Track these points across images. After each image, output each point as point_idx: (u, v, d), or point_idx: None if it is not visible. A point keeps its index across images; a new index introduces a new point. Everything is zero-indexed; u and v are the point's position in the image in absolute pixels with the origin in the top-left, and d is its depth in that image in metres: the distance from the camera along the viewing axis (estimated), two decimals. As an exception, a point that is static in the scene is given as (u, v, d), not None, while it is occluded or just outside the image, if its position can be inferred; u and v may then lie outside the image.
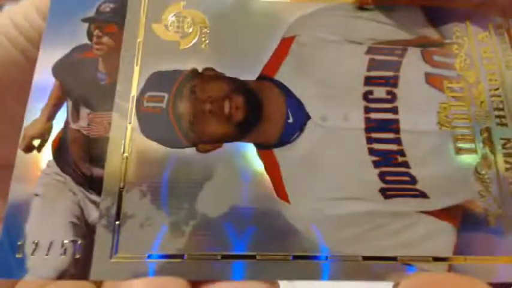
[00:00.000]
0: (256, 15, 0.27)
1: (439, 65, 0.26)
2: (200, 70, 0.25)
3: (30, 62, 0.26)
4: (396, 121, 0.24)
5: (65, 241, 0.23)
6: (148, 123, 0.24)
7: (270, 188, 0.23)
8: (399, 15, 0.27)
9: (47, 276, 0.22)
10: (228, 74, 0.25)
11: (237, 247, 0.22)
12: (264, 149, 0.24)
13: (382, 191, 0.23)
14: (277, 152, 0.24)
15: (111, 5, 0.27)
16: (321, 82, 0.25)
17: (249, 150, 0.24)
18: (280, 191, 0.23)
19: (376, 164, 0.24)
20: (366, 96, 0.25)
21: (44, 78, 0.26)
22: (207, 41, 0.26)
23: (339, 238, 0.22)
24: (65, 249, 0.22)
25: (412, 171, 0.24)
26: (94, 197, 0.24)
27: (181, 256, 0.22)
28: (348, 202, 0.23)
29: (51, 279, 0.22)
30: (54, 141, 0.25)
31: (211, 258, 0.22)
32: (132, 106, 0.24)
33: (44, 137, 0.25)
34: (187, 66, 0.25)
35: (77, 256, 0.22)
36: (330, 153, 0.24)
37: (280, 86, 0.25)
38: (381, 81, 0.25)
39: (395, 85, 0.25)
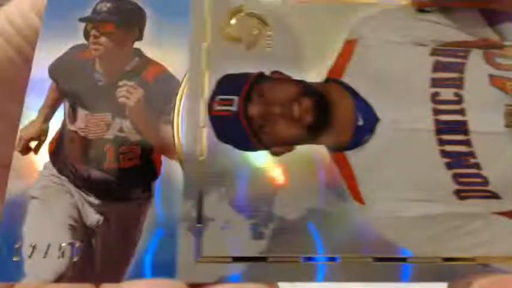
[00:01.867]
0: (318, 17, 0.27)
1: (502, 67, 0.26)
2: (267, 73, 0.25)
3: (26, 61, 0.26)
4: (465, 123, 0.24)
5: (63, 244, 0.22)
6: (221, 127, 0.24)
7: (345, 190, 0.23)
8: (458, 17, 0.27)
9: (45, 279, 0.22)
10: (294, 77, 0.25)
11: (316, 249, 0.22)
12: (336, 151, 0.24)
13: (457, 193, 0.23)
14: (349, 154, 0.24)
15: (108, 5, 0.27)
16: (387, 84, 0.25)
17: (322, 152, 0.24)
18: (355, 193, 0.23)
19: (449, 166, 0.24)
20: (434, 98, 0.25)
21: (40, 79, 0.25)
22: (272, 44, 0.26)
23: (417, 240, 0.23)
24: (63, 252, 0.22)
25: (484, 173, 0.24)
26: (92, 199, 0.24)
27: (263, 259, 0.22)
28: (423, 204, 0.23)
29: (48, 282, 0.22)
30: (51, 143, 0.24)
31: (293, 261, 0.22)
32: (204, 109, 0.24)
33: (40, 138, 0.24)
34: (253, 69, 0.25)
35: (75, 259, 0.22)
36: (401, 155, 0.24)
37: (347, 88, 0.25)
38: (447, 83, 0.25)
39: (461, 86, 0.25)
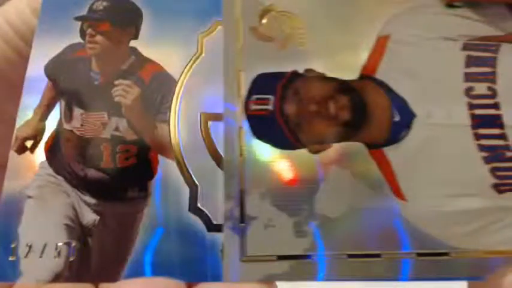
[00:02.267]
0: (348, 14, 0.27)
1: None
2: (301, 71, 0.25)
3: (23, 60, 0.26)
4: (499, 117, 0.24)
5: (59, 243, 0.22)
6: (258, 126, 0.24)
7: (386, 187, 0.23)
8: (487, 12, 0.27)
9: (41, 279, 0.22)
10: (328, 74, 0.25)
11: (361, 247, 0.22)
12: (374, 148, 0.24)
13: (495, 186, 0.23)
14: (387, 150, 0.24)
15: (105, 3, 0.27)
16: (420, 79, 0.25)
17: (360, 150, 0.24)
18: (396, 190, 0.23)
19: (486, 160, 0.24)
20: (468, 92, 0.25)
21: (36, 78, 0.25)
22: (304, 42, 0.26)
23: (457, 234, 0.23)
24: (59, 252, 0.22)
25: None
26: (88, 198, 0.24)
27: (307, 257, 0.22)
28: (463, 198, 0.23)
29: (45, 282, 0.22)
30: (47, 142, 0.24)
31: (337, 258, 0.22)
32: (241, 109, 0.24)
33: (36, 138, 0.24)
34: (287, 67, 0.25)
35: (71, 258, 0.22)
36: (439, 150, 0.24)
37: (382, 84, 0.25)
38: (480, 78, 0.25)
39: (494, 81, 0.25)
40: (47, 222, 0.23)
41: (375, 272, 0.22)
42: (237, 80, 0.25)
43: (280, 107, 0.24)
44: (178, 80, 0.26)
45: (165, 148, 0.24)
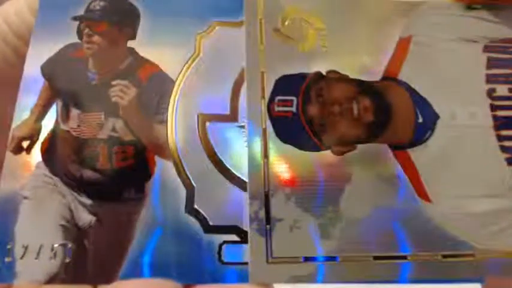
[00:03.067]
0: (369, 15, 0.27)
1: None
2: (324, 72, 0.25)
3: (21, 59, 0.26)
4: None
5: (55, 245, 0.22)
6: (282, 128, 0.24)
7: (411, 188, 0.23)
8: (506, 14, 0.27)
9: (37, 281, 0.22)
10: (350, 76, 0.25)
11: (386, 248, 0.22)
12: (398, 149, 0.24)
13: None
14: (412, 152, 0.24)
15: (102, 3, 0.27)
16: (443, 81, 0.25)
17: (384, 151, 0.24)
18: (421, 191, 0.23)
19: (509, 161, 0.24)
20: (490, 94, 0.25)
21: (33, 78, 0.25)
22: (326, 43, 0.26)
23: (482, 235, 0.23)
24: (55, 253, 0.22)
25: None
26: (84, 199, 0.23)
27: (333, 258, 0.22)
28: (486, 199, 0.23)
29: (40, 284, 0.22)
30: (43, 143, 0.24)
31: (363, 260, 0.22)
32: (264, 111, 0.24)
33: (33, 138, 0.24)
34: (310, 69, 0.25)
35: (67, 260, 0.22)
36: (462, 152, 0.24)
37: (405, 86, 0.25)
38: (502, 79, 0.25)
39: None
40: (43, 223, 0.23)
41: (400, 274, 0.22)
42: (260, 82, 0.25)
43: (303, 108, 0.24)
44: (176, 81, 0.26)
45: (162, 149, 0.24)
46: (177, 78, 0.26)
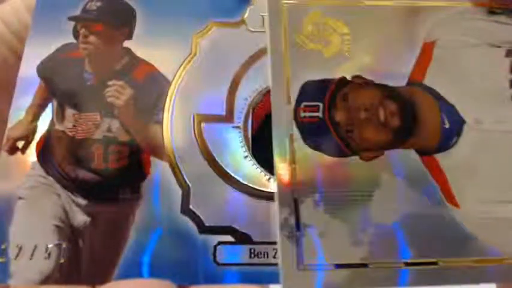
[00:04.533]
0: (393, 20, 0.27)
1: None
2: (349, 78, 0.25)
3: (18, 59, 0.26)
4: None
5: (49, 245, 0.22)
6: (309, 133, 0.24)
7: (439, 194, 0.23)
8: None
9: (31, 281, 0.22)
10: (376, 81, 0.25)
11: (416, 254, 0.22)
12: (425, 155, 0.24)
13: None
14: (439, 157, 0.24)
15: (98, 4, 0.27)
16: (467, 86, 0.25)
17: (412, 157, 0.24)
18: (450, 196, 0.23)
19: None
20: None
21: (28, 77, 0.25)
22: (350, 48, 0.26)
23: (510, 240, 0.23)
24: (49, 253, 0.22)
25: None
26: (79, 199, 0.23)
27: (364, 265, 0.22)
28: None
29: (35, 284, 0.22)
30: (38, 143, 0.24)
31: (393, 266, 0.22)
32: (290, 116, 0.24)
33: (28, 138, 0.24)
34: (334, 74, 0.25)
35: (62, 260, 0.22)
36: (489, 156, 0.24)
37: (431, 91, 0.25)
38: None
39: None
40: (38, 223, 0.23)
41: (430, 279, 0.22)
42: (285, 88, 0.24)
43: (329, 114, 0.24)
44: (172, 81, 0.26)
45: (158, 149, 0.24)
46: (173, 79, 0.26)
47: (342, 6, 0.27)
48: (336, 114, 0.24)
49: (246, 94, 0.26)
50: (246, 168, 0.24)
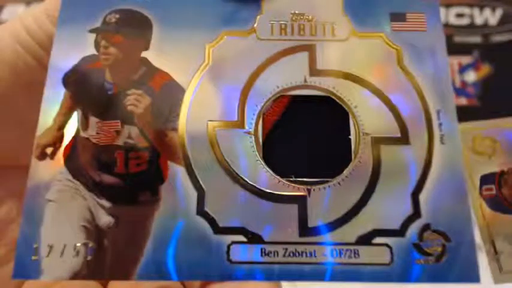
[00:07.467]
0: None
1: None
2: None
3: (41, 66, 0.28)
4: None
5: (77, 244, 0.24)
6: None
7: None
8: None
9: (61, 277, 0.23)
10: None
11: None
12: None
13: None
14: None
15: (117, 16, 0.28)
16: None
17: None
18: None
19: None
20: None
21: (55, 89, 0.27)
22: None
23: None
24: (78, 252, 0.24)
25: None
26: (104, 202, 0.25)
27: None
28: None
29: (65, 280, 0.23)
30: (65, 149, 0.26)
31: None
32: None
33: (55, 145, 0.26)
34: None
35: (89, 258, 0.24)
36: None
37: None
38: None
39: None
40: (66, 224, 0.25)
41: None
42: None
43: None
44: (187, 89, 0.27)
45: (174, 155, 0.26)
46: (187, 87, 0.27)
47: None
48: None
49: (257, 100, 0.27)
50: (257, 172, 0.26)
